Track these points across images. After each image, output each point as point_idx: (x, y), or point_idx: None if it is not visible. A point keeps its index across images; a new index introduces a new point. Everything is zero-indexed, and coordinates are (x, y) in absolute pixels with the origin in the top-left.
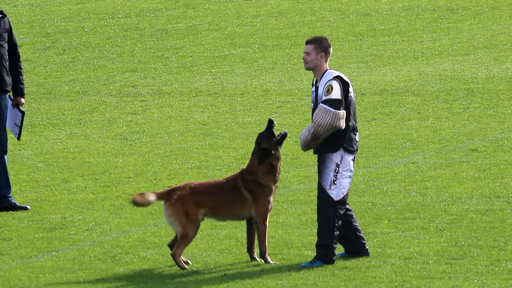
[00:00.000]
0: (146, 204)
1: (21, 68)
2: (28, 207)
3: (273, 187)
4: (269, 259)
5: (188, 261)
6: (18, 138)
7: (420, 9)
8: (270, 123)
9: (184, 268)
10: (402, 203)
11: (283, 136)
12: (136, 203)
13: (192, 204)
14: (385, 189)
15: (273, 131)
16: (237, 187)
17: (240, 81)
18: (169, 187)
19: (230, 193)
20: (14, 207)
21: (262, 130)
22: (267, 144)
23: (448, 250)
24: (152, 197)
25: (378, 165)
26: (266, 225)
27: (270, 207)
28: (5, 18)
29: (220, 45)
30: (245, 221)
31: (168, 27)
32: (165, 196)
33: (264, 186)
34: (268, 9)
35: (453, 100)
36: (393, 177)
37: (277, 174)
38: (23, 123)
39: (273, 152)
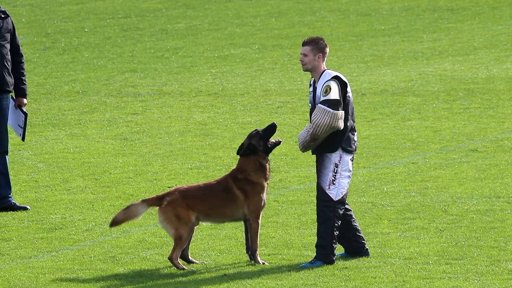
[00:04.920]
0: (136, 217)
1: (24, 69)
2: (28, 207)
3: (265, 184)
4: (258, 258)
5: (195, 261)
6: (23, 139)
7: (420, 9)
8: (272, 127)
9: (183, 269)
10: (402, 204)
11: (275, 144)
12: (117, 223)
13: (182, 207)
14: (385, 189)
15: (269, 135)
16: (228, 187)
17: (240, 81)
18: (169, 187)
19: (222, 194)
20: (14, 207)
21: (262, 128)
22: (256, 143)
23: (448, 250)
24: (143, 207)
25: (378, 165)
26: (258, 223)
27: (262, 204)
28: (8, 18)
29: (220, 45)
30: (243, 221)
31: (168, 27)
32: (156, 202)
33: (255, 183)
34: (268, 9)
35: (453, 100)
36: (393, 177)
37: (267, 172)
38: (27, 124)
39: (258, 153)
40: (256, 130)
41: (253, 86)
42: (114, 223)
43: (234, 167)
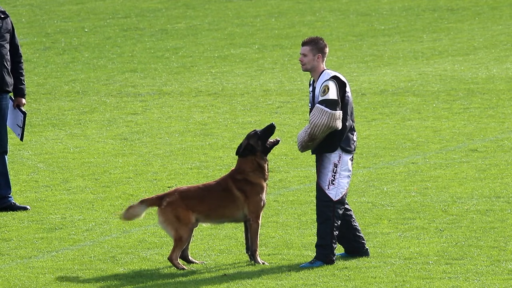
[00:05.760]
0: (136, 217)
1: (23, 69)
2: (28, 207)
3: (264, 185)
4: (259, 258)
5: (195, 261)
6: (21, 139)
7: (420, 9)
8: (271, 128)
9: (183, 269)
10: (402, 203)
11: (274, 143)
12: (126, 219)
13: (182, 207)
14: (385, 189)
15: (267, 135)
16: (228, 188)
17: (240, 81)
18: (169, 187)
19: (221, 195)
20: (14, 207)
21: (260, 129)
22: (255, 143)
23: (448, 250)
24: (142, 207)
25: (378, 165)
26: (258, 223)
27: (262, 204)
28: (8, 18)
29: (220, 45)
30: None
31: (168, 27)
32: (156, 202)
33: (254, 183)
34: (268, 9)
35: (453, 100)
36: (393, 177)
37: (266, 173)
38: (25, 124)
39: (257, 154)
40: (254, 130)
41: (253, 86)
42: (124, 218)
43: (233, 168)
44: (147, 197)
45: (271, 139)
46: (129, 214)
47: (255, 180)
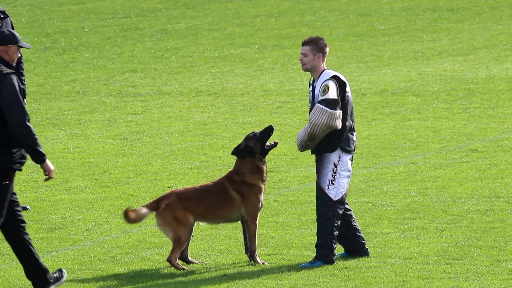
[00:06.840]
0: (139, 219)
1: (23, 69)
2: (28, 207)
3: (262, 186)
4: (258, 259)
5: (195, 261)
6: None
7: (420, 9)
8: (270, 130)
9: (183, 269)
10: (402, 203)
11: (272, 146)
12: (128, 220)
13: (180, 209)
14: (385, 189)
15: (266, 137)
16: (224, 189)
17: (240, 81)
18: (169, 187)
19: (218, 196)
20: None
21: (259, 130)
22: (253, 145)
23: (448, 250)
24: (144, 210)
25: (378, 165)
26: (256, 224)
27: (260, 206)
28: (8, 18)
29: (220, 45)
30: (241, 223)
31: (168, 27)
32: (154, 206)
33: (251, 185)
34: (268, 9)
35: (453, 100)
36: (393, 177)
37: (264, 174)
38: None
39: (255, 155)
40: (253, 132)
41: (253, 86)
42: (128, 220)
43: (230, 169)
44: (146, 203)
45: (270, 141)
46: (136, 216)
47: (252, 182)
